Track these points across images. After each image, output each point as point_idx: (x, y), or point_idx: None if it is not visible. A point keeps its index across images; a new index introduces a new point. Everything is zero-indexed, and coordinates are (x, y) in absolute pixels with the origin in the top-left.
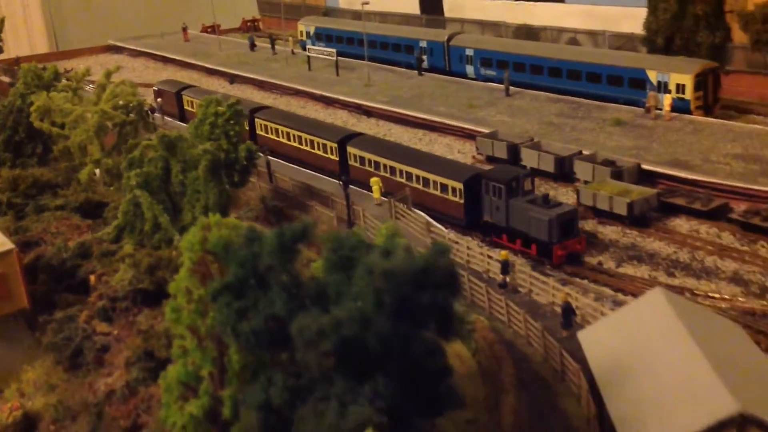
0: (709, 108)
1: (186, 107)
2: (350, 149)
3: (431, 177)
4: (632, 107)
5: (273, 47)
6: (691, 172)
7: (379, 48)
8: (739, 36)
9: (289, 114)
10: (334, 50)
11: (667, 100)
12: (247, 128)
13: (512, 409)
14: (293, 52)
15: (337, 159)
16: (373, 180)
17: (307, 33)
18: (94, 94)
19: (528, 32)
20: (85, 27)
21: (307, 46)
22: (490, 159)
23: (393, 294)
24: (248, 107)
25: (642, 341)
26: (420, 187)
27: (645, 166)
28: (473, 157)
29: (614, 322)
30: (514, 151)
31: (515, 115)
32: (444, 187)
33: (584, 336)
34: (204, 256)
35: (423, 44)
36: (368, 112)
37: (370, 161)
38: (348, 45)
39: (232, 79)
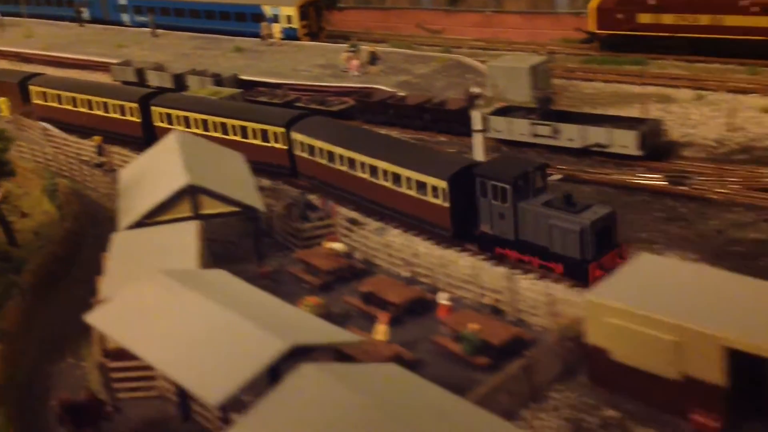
0: (315, 35)
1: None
2: (294, 134)
3: (405, 173)
4: (254, 38)
5: None
6: (280, 78)
7: (44, 4)
8: None
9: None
10: None
11: (276, 28)
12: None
13: (68, 228)
14: None
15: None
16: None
17: None
18: None
19: None
20: None
21: None
22: (125, 83)
23: None
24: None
25: (153, 163)
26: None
27: (243, 77)
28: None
29: (143, 157)
30: (141, 74)
31: (156, 50)
32: (422, 186)
33: (121, 173)
34: None
35: None
36: (26, 59)
37: (320, 150)
38: (15, 5)
39: None
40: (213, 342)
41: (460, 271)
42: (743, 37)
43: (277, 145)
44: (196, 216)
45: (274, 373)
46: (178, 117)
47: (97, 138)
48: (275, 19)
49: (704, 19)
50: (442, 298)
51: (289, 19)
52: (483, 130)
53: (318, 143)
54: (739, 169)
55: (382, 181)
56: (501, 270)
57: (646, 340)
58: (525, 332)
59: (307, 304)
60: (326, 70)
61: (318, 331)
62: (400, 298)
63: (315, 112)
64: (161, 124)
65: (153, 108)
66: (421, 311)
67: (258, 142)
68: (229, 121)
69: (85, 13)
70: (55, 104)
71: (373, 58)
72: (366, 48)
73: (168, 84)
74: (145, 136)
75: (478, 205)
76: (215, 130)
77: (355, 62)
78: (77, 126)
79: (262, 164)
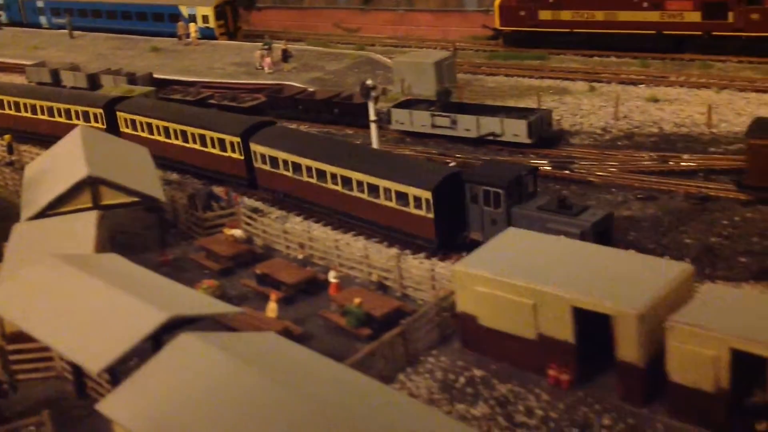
0: (232, 34)
1: None
2: (254, 146)
3: (384, 184)
4: (171, 37)
5: None
6: (195, 76)
7: None
8: None
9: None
10: None
11: (192, 28)
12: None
13: None
14: None
15: (243, 158)
16: None
17: None
18: None
19: None
20: None
21: None
22: (39, 83)
23: None
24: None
25: (56, 157)
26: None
27: (156, 75)
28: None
29: (48, 153)
30: (56, 74)
31: (73, 52)
32: (402, 197)
33: (27, 168)
34: None
35: None
36: None
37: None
38: None
39: None
40: (99, 317)
41: (354, 253)
42: (635, 32)
43: (234, 155)
44: (96, 207)
45: (157, 344)
46: (141, 123)
47: (7, 136)
48: (192, 19)
49: (599, 15)
50: (331, 276)
51: (205, 18)
52: (378, 120)
53: (282, 154)
54: (618, 154)
55: (356, 193)
56: (391, 251)
57: (507, 305)
58: (407, 305)
59: (204, 286)
60: (241, 67)
61: (201, 305)
62: (293, 279)
63: (229, 109)
64: (127, 130)
65: (119, 114)
66: (313, 291)
67: (216, 151)
68: (189, 129)
69: (3, 16)
70: (11, 112)
71: (286, 56)
72: (278, 46)
73: (82, 84)
74: None
75: (467, 212)
76: (176, 138)
77: (267, 60)
78: (38, 135)
79: (220, 174)
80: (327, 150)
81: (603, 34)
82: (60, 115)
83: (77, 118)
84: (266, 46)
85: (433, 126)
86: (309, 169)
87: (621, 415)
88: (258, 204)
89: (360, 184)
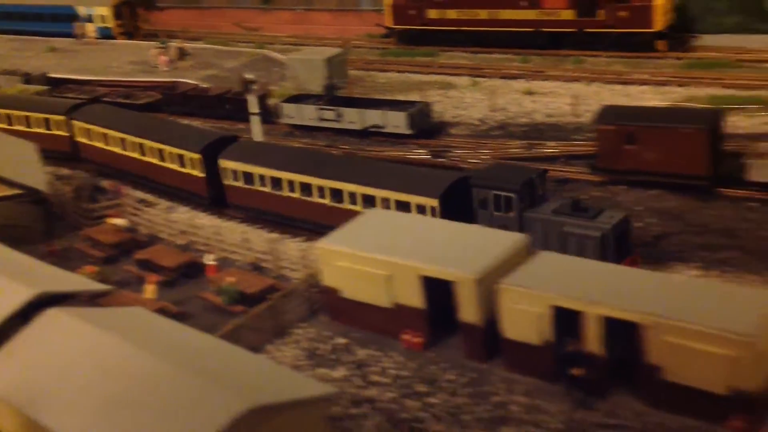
0: (132, 34)
1: None
2: (224, 162)
3: (382, 194)
4: (70, 38)
5: None
6: (90, 75)
7: None
8: None
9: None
10: None
11: (90, 28)
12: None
13: None
14: None
15: (204, 175)
16: None
17: None
18: None
19: None
20: None
21: None
22: None
23: None
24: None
25: None
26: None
27: (52, 75)
28: None
29: None
30: None
31: None
32: (404, 206)
33: None
34: None
35: None
36: None
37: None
38: None
39: None
40: None
41: (234, 237)
42: (516, 29)
43: (194, 172)
44: None
45: (27, 321)
46: (97, 133)
47: None
48: (89, 19)
49: (483, 14)
50: (209, 259)
51: (103, 18)
52: (261, 113)
53: (258, 169)
54: (491, 143)
55: (348, 206)
56: (269, 235)
57: (365, 277)
58: (279, 283)
59: (84, 272)
60: (138, 66)
61: (72, 284)
62: (173, 263)
63: (122, 106)
64: (82, 140)
65: (73, 122)
66: (194, 274)
67: (175, 166)
68: (147, 143)
69: None
70: None
71: (182, 54)
72: (174, 44)
73: None
74: (72, 151)
75: (475, 217)
76: (133, 150)
77: (163, 58)
78: None
79: (180, 191)
80: (311, 162)
81: (486, 31)
82: (20, 123)
83: (38, 126)
84: (162, 45)
85: (320, 119)
86: (291, 183)
87: (464, 370)
88: (145, 195)
89: (352, 195)
